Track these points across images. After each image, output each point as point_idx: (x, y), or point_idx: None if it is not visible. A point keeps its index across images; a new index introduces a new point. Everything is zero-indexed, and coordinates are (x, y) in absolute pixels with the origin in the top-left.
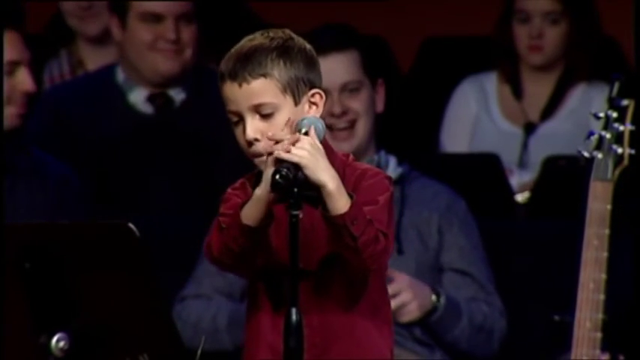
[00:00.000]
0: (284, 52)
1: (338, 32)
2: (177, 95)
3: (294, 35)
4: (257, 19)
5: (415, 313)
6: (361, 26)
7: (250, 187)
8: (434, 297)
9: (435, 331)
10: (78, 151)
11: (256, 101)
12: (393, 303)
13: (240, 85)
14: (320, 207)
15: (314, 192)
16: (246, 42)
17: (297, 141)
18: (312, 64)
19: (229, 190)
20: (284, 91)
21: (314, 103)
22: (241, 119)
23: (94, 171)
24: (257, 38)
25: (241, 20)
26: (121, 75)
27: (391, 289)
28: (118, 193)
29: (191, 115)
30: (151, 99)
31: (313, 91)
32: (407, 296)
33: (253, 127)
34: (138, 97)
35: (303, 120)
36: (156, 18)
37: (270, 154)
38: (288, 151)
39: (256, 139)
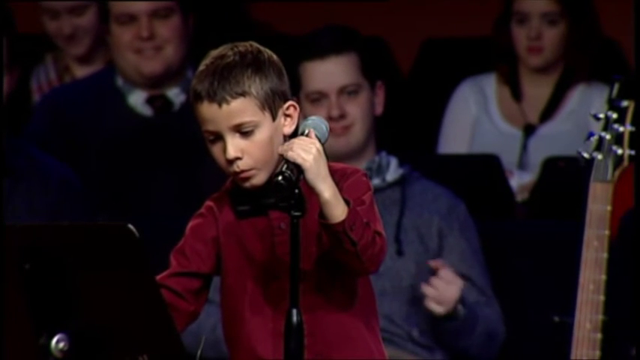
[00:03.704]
0: (258, 67)
1: (336, 35)
2: (177, 97)
3: (261, 47)
4: (252, 20)
5: (441, 310)
6: (361, 27)
7: (219, 210)
8: (460, 306)
9: (449, 337)
10: (77, 153)
11: (237, 121)
12: (443, 285)
13: (219, 106)
14: (318, 215)
15: (274, 200)
16: (217, 59)
17: (304, 143)
18: (282, 75)
19: (195, 217)
20: (262, 107)
21: (289, 115)
22: (218, 138)
23: (93, 173)
24: (227, 55)
25: (239, 21)
26: (119, 77)
27: (450, 274)
28: (118, 194)
29: (190, 117)
30: (149, 101)
31: (288, 103)
32: (455, 291)
33: (234, 146)
34: (137, 99)
35: (307, 121)
36: (130, 18)
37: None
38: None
39: (237, 158)
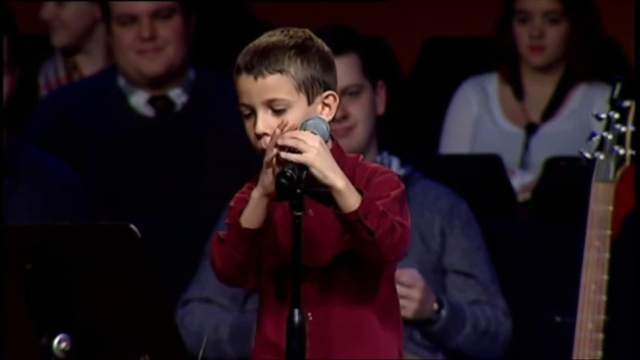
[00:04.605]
0: (302, 50)
1: (337, 36)
2: (179, 98)
3: (313, 36)
4: (255, 19)
5: (408, 314)
6: (362, 27)
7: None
8: (436, 306)
9: (438, 339)
10: (79, 153)
11: (270, 96)
12: (400, 291)
13: (255, 79)
14: (332, 206)
15: (326, 189)
16: (265, 37)
17: (303, 138)
18: (328, 67)
19: (236, 195)
20: (298, 89)
21: (327, 105)
22: (253, 113)
23: (95, 173)
24: (276, 35)
25: (240, 20)
26: (121, 78)
27: (406, 277)
28: (119, 195)
29: (192, 118)
30: (151, 101)
31: (327, 92)
32: (415, 294)
33: (265, 121)
34: (139, 99)
35: (308, 120)
36: (132, 19)
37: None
38: (295, 148)
39: (265, 134)
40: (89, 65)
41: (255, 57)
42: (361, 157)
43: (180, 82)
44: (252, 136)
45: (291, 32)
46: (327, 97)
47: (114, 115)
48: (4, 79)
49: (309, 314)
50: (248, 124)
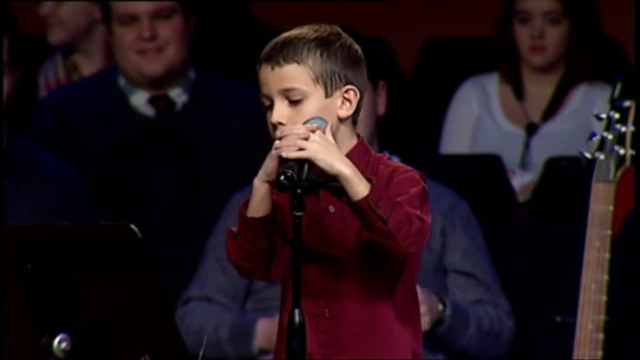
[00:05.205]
0: (323, 44)
1: None
2: (179, 97)
3: (342, 33)
4: (255, 19)
5: (425, 326)
6: (362, 27)
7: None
8: (440, 306)
9: (443, 341)
10: (80, 153)
11: (286, 85)
12: None
13: (272, 68)
14: (344, 196)
15: (338, 182)
16: (291, 31)
17: (305, 135)
18: (352, 63)
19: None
20: (316, 80)
21: (348, 100)
22: (272, 104)
23: (95, 173)
24: (302, 29)
25: (240, 20)
26: (121, 78)
27: None
28: (120, 194)
29: (193, 118)
30: (152, 101)
31: (348, 87)
32: (422, 309)
33: (280, 111)
34: (139, 99)
35: (309, 120)
36: (132, 19)
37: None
38: (297, 146)
39: (280, 123)
40: (89, 65)
41: (275, 48)
42: (385, 156)
43: (180, 81)
44: (270, 126)
45: (317, 27)
46: (347, 91)
47: (114, 115)
48: (4, 79)
49: (326, 310)
50: (268, 115)
